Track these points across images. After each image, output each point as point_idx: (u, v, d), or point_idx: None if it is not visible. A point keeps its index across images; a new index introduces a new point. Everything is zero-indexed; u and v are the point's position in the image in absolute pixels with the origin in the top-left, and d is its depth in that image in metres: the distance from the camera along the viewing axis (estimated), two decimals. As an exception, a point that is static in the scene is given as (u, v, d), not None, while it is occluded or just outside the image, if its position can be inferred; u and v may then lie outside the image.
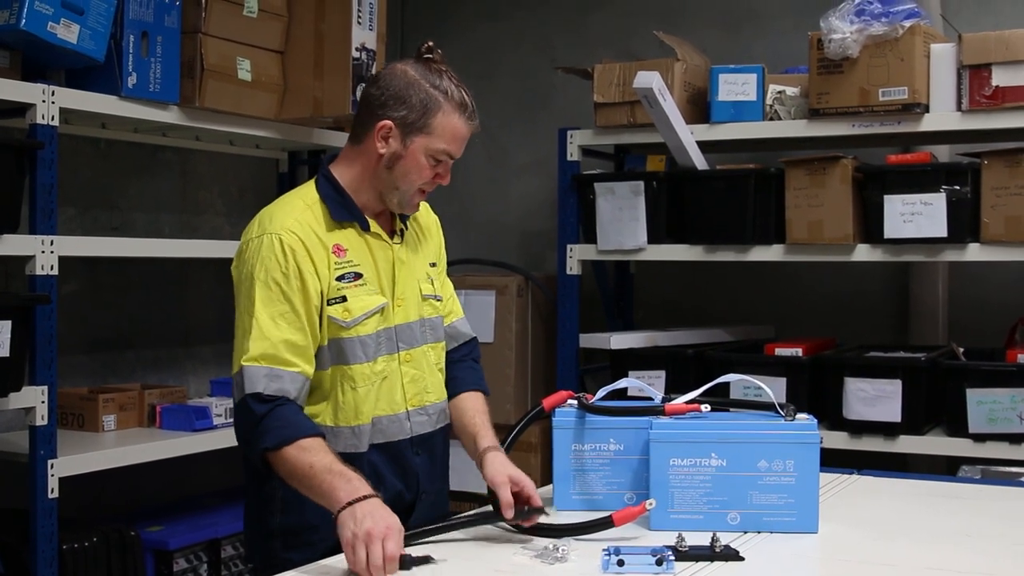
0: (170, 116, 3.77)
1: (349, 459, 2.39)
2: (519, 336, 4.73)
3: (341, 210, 2.50)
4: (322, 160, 2.62)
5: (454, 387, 2.73)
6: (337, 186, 2.53)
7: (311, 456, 2.29)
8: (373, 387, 2.50)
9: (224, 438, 3.94)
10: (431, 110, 2.47)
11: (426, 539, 2.37)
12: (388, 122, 2.47)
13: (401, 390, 2.55)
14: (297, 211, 2.47)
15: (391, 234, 2.59)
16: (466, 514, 2.53)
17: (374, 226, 2.55)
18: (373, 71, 4.00)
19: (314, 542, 2.43)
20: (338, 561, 2.24)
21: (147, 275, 4.35)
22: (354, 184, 2.53)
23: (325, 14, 4.03)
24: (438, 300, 2.67)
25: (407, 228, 2.64)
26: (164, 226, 4.45)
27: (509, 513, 2.40)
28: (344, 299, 2.45)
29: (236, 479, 4.39)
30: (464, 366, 2.78)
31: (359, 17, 4.04)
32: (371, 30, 4.07)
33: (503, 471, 2.47)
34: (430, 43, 2.56)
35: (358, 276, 2.48)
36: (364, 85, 2.53)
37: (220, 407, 4.01)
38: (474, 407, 2.69)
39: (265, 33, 3.97)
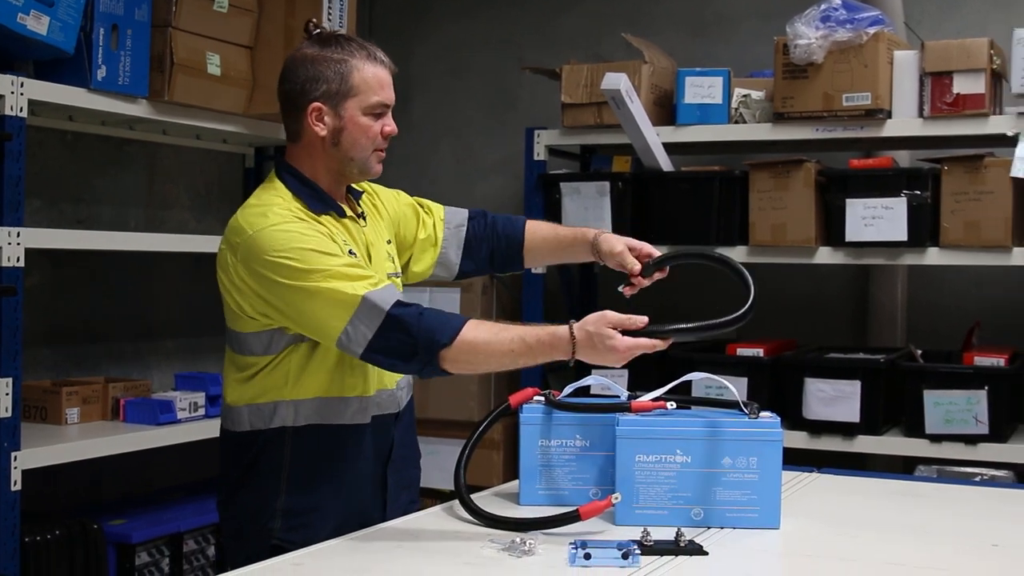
0: (139, 109, 3.77)
1: (354, 431, 2.52)
2: (483, 334, 4.75)
3: (315, 201, 2.53)
4: (278, 160, 2.63)
5: (512, 228, 2.88)
6: (304, 179, 2.55)
7: (494, 329, 2.39)
8: None
9: (188, 432, 3.94)
10: (347, 73, 2.51)
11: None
12: (315, 103, 2.51)
13: None
14: (283, 204, 2.49)
15: (357, 216, 2.64)
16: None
17: (347, 211, 2.60)
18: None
19: (315, 524, 2.47)
20: (343, 543, 2.33)
21: (112, 268, 4.34)
22: (312, 176, 2.56)
23: (295, 10, 4.04)
24: (398, 277, 2.72)
25: (363, 209, 2.68)
26: (130, 220, 4.44)
27: (636, 279, 2.68)
28: None
29: (200, 473, 4.43)
30: (498, 217, 2.93)
31: (329, 14, 4.05)
32: (341, 26, 4.08)
33: (619, 242, 2.72)
34: (312, 20, 2.64)
35: (353, 254, 2.51)
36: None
37: (184, 401, 4.00)
38: (541, 225, 2.91)
39: (235, 28, 3.98)
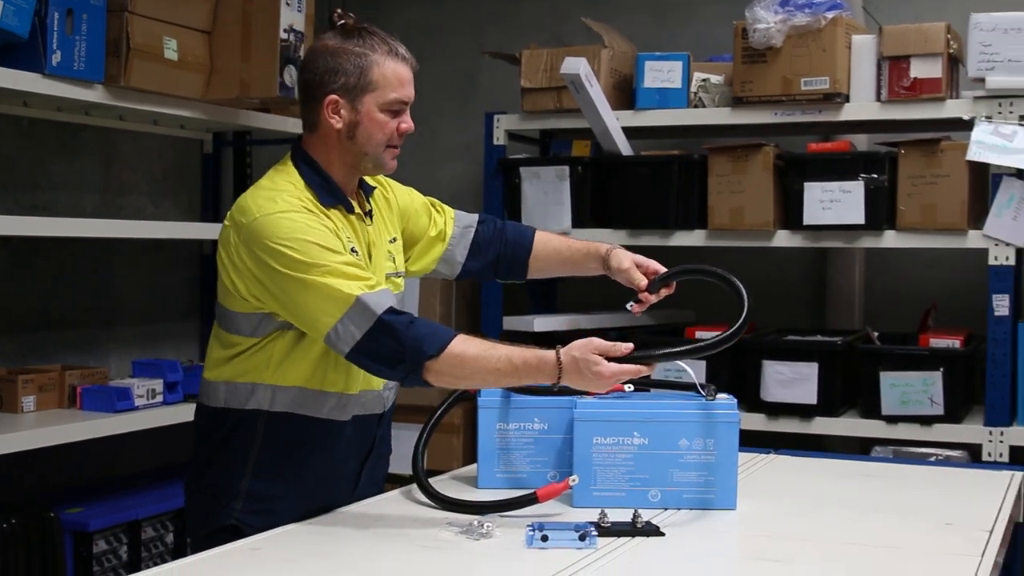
0: (95, 95, 3.73)
1: (330, 427, 2.51)
2: (443, 319, 4.75)
3: (326, 195, 2.52)
4: (295, 145, 2.61)
5: (521, 237, 2.89)
6: (319, 170, 2.54)
7: (483, 345, 2.38)
8: None
9: (146, 419, 3.91)
10: (366, 67, 2.50)
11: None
12: (333, 96, 2.50)
13: None
14: (294, 192, 2.48)
15: (365, 214, 2.63)
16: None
17: (356, 208, 2.59)
18: (301, 53, 3.99)
19: (277, 511, 2.46)
20: (301, 527, 2.37)
21: (69, 255, 4.31)
22: (325, 168, 2.55)
23: (254, -6, 4.01)
24: (399, 277, 2.71)
25: (372, 207, 2.67)
26: (87, 206, 4.40)
27: (644, 296, 2.70)
28: None
29: (158, 460, 4.41)
30: (508, 224, 2.94)
31: (287, -1, 4.02)
32: (300, 11, 4.05)
33: (627, 258, 2.75)
34: (338, 10, 2.61)
35: (354, 252, 2.50)
36: (296, 75, 2.55)
37: (142, 388, 3.97)
38: (551, 237, 2.91)
39: (192, 13, 3.94)
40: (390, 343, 2.34)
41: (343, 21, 2.57)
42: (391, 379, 2.50)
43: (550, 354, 2.38)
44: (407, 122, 2.57)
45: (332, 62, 2.50)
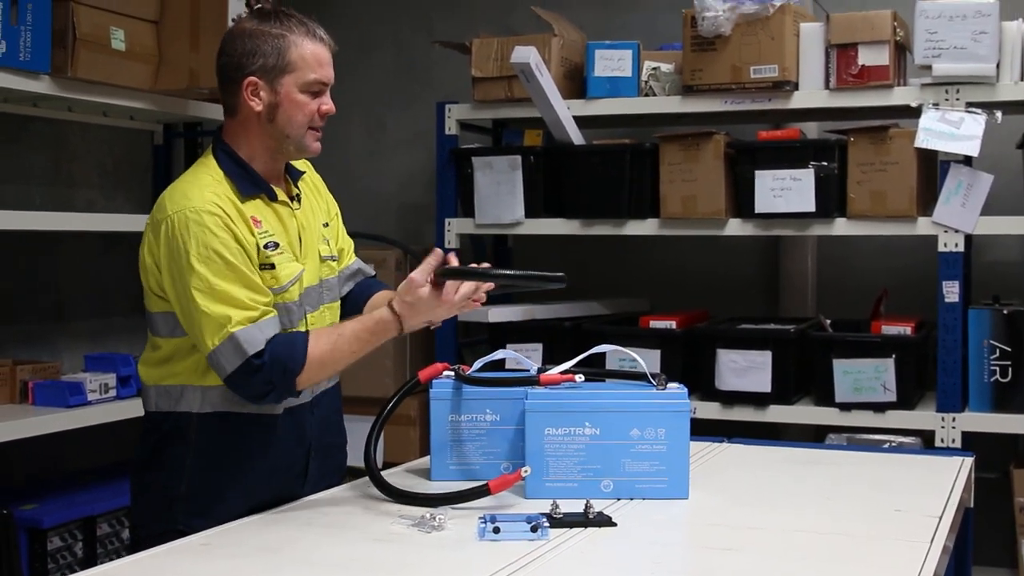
0: (41, 86, 3.69)
1: (264, 422, 2.51)
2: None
3: (247, 184, 2.51)
4: (215, 136, 2.59)
5: (365, 294, 2.83)
6: (239, 160, 2.53)
7: (332, 336, 2.47)
8: None
9: (99, 414, 3.89)
10: (284, 48, 2.50)
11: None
12: (252, 77, 2.49)
13: None
14: (210, 186, 2.47)
15: (291, 199, 2.62)
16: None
17: (280, 195, 2.57)
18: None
19: (221, 512, 2.44)
20: (252, 521, 2.37)
21: (18, 249, 4.26)
22: (247, 153, 2.54)
23: (201, -16, 3.98)
24: (334, 260, 2.71)
25: (300, 191, 2.66)
26: (36, 199, 4.36)
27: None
28: (273, 266, 2.48)
29: (112, 456, 4.37)
30: (374, 281, 2.90)
31: (235, -13, 3.99)
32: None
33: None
34: None
35: (276, 245, 2.50)
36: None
37: (95, 383, 3.94)
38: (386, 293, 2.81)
39: (139, 2, 3.90)
40: (259, 379, 2.39)
41: (260, 4, 2.57)
42: (263, 404, 2.50)
43: (384, 309, 2.47)
44: (328, 104, 2.57)
45: (250, 44, 2.50)
